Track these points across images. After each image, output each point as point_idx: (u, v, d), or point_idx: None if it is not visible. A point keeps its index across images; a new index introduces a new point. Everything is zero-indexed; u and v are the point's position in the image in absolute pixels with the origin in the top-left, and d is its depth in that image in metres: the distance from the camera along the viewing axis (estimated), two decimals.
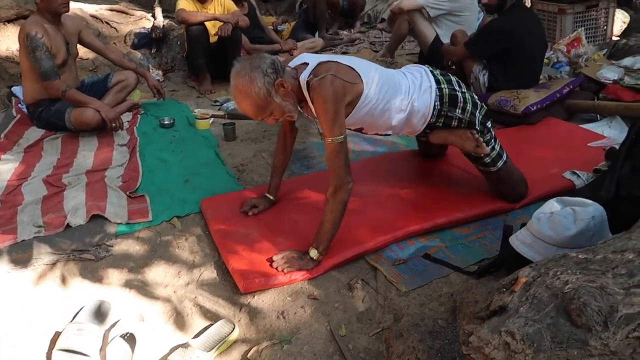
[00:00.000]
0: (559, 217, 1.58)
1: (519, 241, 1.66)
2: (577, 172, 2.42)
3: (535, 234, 1.61)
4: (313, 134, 3.20)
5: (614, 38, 4.51)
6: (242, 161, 2.91)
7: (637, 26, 4.80)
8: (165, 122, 3.41)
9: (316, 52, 4.92)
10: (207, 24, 4.02)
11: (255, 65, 1.80)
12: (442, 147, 2.60)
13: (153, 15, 5.21)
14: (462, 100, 2.12)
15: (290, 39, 4.96)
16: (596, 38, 4.40)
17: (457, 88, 2.15)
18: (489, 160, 2.17)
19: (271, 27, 5.36)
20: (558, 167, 2.49)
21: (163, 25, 4.93)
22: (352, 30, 5.93)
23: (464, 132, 2.13)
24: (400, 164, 2.70)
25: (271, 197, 2.32)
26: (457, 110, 2.12)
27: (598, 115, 3.12)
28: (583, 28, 4.19)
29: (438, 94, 2.09)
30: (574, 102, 3.18)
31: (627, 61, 3.51)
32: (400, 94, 2.07)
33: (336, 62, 1.94)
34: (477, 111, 2.16)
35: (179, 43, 4.69)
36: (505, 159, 2.20)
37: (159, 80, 4.31)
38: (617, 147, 2.16)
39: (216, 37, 4.10)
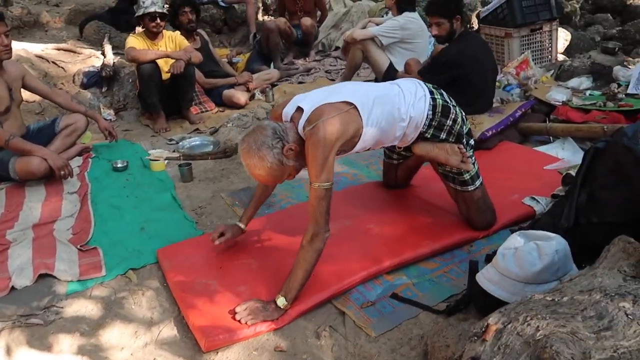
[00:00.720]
0: (524, 252, 1.56)
1: (486, 279, 1.63)
2: (536, 197, 2.44)
3: (502, 271, 1.59)
4: None
5: (559, 56, 4.68)
6: (200, 203, 2.82)
7: (578, 43, 5.01)
8: (118, 165, 3.29)
9: (273, 83, 4.91)
10: (159, 60, 3.94)
11: (260, 143, 1.81)
12: (409, 174, 2.61)
13: (103, 53, 5.09)
14: (453, 112, 2.13)
15: (246, 72, 4.92)
16: (542, 59, 4.55)
17: (448, 100, 2.17)
18: (467, 178, 2.15)
19: (225, 59, 5.32)
20: (517, 193, 2.51)
21: (113, 62, 4.81)
22: (307, 59, 5.95)
23: (450, 146, 2.12)
24: (363, 197, 2.66)
25: (241, 226, 2.26)
26: (448, 120, 2.11)
27: (551, 137, 3.19)
28: (530, 50, 4.33)
29: (432, 103, 2.08)
30: (528, 124, 3.25)
31: (574, 82, 3.64)
32: (399, 104, 2.04)
33: (329, 103, 1.90)
34: (465, 126, 2.18)
35: (130, 80, 4.57)
36: (481, 180, 2.20)
37: (110, 120, 4.18)
38: (572, 172, 2.19)
39: (169, 74, 4.02)
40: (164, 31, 4.13)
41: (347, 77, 4.68)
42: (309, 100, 1.95)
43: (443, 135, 2.13)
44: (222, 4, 6.48)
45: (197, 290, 2.02)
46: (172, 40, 4.13)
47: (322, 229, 1.83)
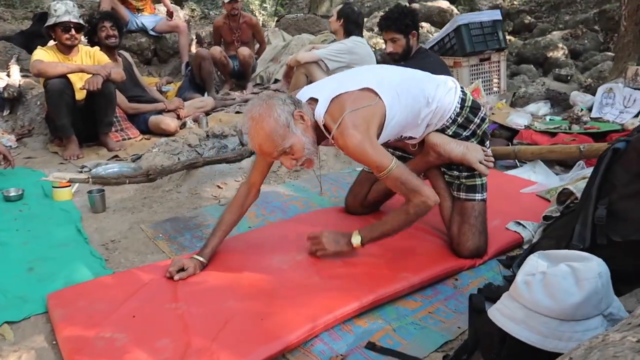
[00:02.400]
0: (556, 278, 1.15)
1: (505, 316, 1.20)
2: (522, 222, 2.09)
3: (528, 304, 1.16)
4: (205, 198, 2.62)
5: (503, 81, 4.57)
6: (113, 237, 2.24)
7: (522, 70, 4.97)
8: (11, 194, 2.64)
9: (206, 112, 4.43)
10: (71, 77, 3.36)
11: (271, 95, 1.71)
12: (381, 198, 2.27)
13: (8, 74, 4.41)
14: (483, 111, 1.97)
15: (176, 98, 4.42)
16: (491, 89, 4.41)
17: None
18: (478, 183, 1.92)
19: (154, 87, 4.79)
20: (498, 218, 2.14)
21: (19, 84, 4.15)
22: (244, 91, 5.53)
23: (471, 143, 1.93)
24: (318, 224, 2.18)
25: (202, 260, 1.86)
26: (476, 118, 1.93)
27: (517, 162, 2.91)
28: (480, 80, 4.16)
29: (462, 97, 1.90)
30: (494, 148, 2.96)
31: (532, 108, 3.45)
32: (427, 89, 1.84)
33: (347, 92, 1.72)
34: (486, 129, 2.00)
35: (38, 103, 3.93)
36: (486, 196, 1.97)
37: (10, 146, 3.50)
38: (570, 188, 1.85)
39: (83, 94, 3.44)
40: (80, 46, 3.58)
41: None
42: (321, 89, 1.80)
43: (466, 134, 1.92)
44: (152, 33, 5.99)
45: (96, 348, 1.45)
46: (89, 56, 3.58)
47: (423, 194, 1.69)
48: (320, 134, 1.75)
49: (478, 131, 1.94)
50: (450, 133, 1.92)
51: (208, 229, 2.26)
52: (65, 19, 3.37)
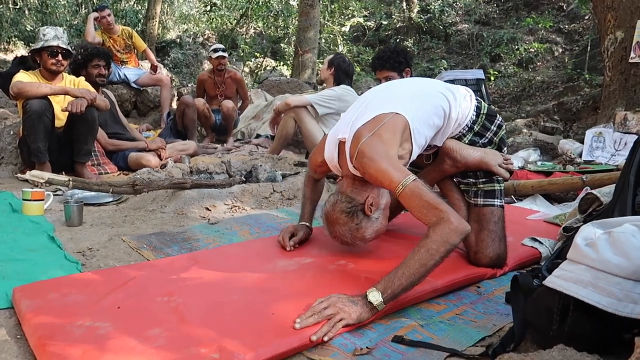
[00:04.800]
0: (625, 235, 1.02)
1: (569, 281, 1.04)
2: (538, 238, 1.97)
3: (596, 265, 1.02)
4: (192, 218, 2.42)
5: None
6: (91, 246, 2.00)
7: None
8: None
9: (189, 155, 4.29)
10: (53, 102, 3.21)
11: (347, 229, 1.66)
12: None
13: None
14: (499, 118, 1.90)
15: (158, 138, 4.29)
16: None
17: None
18: (497, 188, 1.82)
19: (135, 127, 4.66)
20: (511, 236, 2.02)
21: None
22: (224, 145, 5.45)
23: (489, 149, 1.85)
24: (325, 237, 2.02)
25: (308, 224, 1.96)
26: (493, 126, 1.86)
27: (514, 198, 2.85)
28: None
29: (477, 105, 1.84)
30: None
31: (522, 153, 3.46)
32: (441, 99, 1.75)
33: (362, 126, 1.63)
34: (503, 136, 1.91)
35: (11, 133, 3.72)
36: (504, 202, 1.86)
37: None
38: (594, 192, 1.77)
39: (63, 120, 3.29)
40: (64, 74, 3.47)
41: (276, 150, 4.22)
42: (343, 127, 1.71)
43: (483, 142, 1.85)
44: (134, 85, 5.96)
45: (74, 335, 1.20)
46: (73, 85, 3.46)
47: (447, 214, 1.41)
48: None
49: (495, 139, 1.87)
50: (467, 141, 1.84)
51: (198, 242, 2.06)
52: (54, 43, 3.28)
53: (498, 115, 1.91)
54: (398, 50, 3.22)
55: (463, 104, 1.81)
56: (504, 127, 1.90)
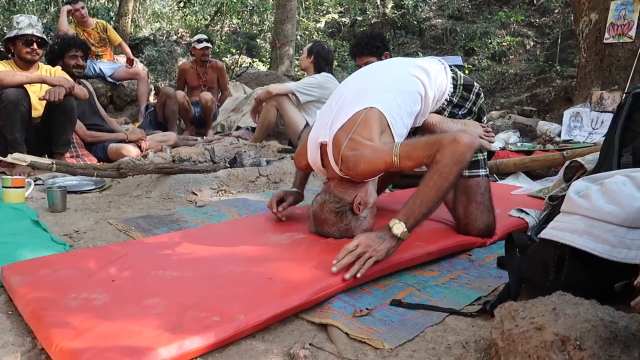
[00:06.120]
0: (616, 185, 1.06)
1: (565, 231, 1.07)
2: (524, 209, 2.01)
3: (590, 213, 1.05)
4: (179, 203, 2.40)
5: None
6: (77, 229, 1.96)
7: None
8: None
9: (170, 146, 4.23)
10: (31, 93, 3.13)
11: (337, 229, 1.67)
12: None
13: None
14: (477, 86, 1.89)
15: (138, 129, 4.22)
16: None
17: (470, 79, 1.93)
18: (481, 158, 1.82)
19: (114, 120, 4.58)
20: (499, 208, 2.06)
21: None
22: (204, 137, 5.40)
23: (469, 120, 1.85)
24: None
25: (299, 190, 1.97)
26: (471, 95, 1.85)
27: (497, 177, 2.90)
28: None
29: (453, 76, 1.83)
30: None
31: (503, 135, 3.52)
32: (416, 83, 1.74)
33: (340, 130, 1.62)
34: (482, 105, 1.91)
35: None
36: (488, 172, 1.87)
37: None
38: (578, 160, 1.81)
39: (41, 110, 3.21)
40: (39, 63, 3.39)
41: (259, 139, 4.20)
42: (322, 129, 1.69)
43: (462, 113, 1.86)
44: (109, 79, 5.86)
45: (70, 306, 1.18)
46: (50, 74, 3.37)
47: (448, 137, 1.43)
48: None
49: (474, 108, 1.88)
50: (446, 114, 1.85)
51: (187, 223, 2.04)
52: (28, 31, 3.20)
53: (475, 84, 1.90)
54: (375, 35, 3.25)
55: (438, 80, 1.80)
56: (482, 95, 1.90)
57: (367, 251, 1.36)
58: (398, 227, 1.39)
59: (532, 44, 10.76)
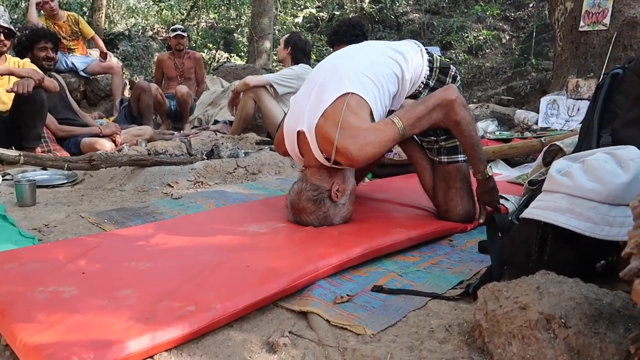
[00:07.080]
0: (598, 162, 1.04)
1: (547, 210, 1.06)
2: (504, 195, 2.00)
3: (572, 191, 1.03)
4: (154, 195, 2.33)
5: None
6: (47, 223, 1.89)
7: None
8: None
9: (146, 139, 4.14)
10: None
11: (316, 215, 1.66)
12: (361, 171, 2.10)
13: None
14: (453, 69, 1.87)
15: (113, 123, 4.12)
16: None
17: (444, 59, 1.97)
18: (459, 143, 1.78)
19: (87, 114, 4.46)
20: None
21: None
22: (181, 132, 5.31)
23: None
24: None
25: None
26: (448, 78, 1.84)
27: None
28: None
29: (429, 58, 1.81)
30: None
31: (481, 124, 3.52)
32: (393, 65, 1.74)
33: (323, 116, 1.60)
34: (459, 87, 1.87)
35: None
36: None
37: None
38: (557, 143, 1.81)
39: (9, 104, 3.10)
40: (7, 55, 3.27)
41: (237, 131, 4.14)
42: (298, 117, 1.66)
43: None
44: (83, 74, 5.71)
45: (36, 300, 1.12)
46: (18, 66, 3.27)
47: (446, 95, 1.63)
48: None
49: None
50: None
51: (162, 215, 1.98)
52: None
53: (452, 66, 1.88)
54: (353, 23, 3.22)
55: (414, 62, 1.78)
56: (459, 77, 1.88)
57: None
58: (486, 172, 1.74)
59: (507, 37, 10.87)
